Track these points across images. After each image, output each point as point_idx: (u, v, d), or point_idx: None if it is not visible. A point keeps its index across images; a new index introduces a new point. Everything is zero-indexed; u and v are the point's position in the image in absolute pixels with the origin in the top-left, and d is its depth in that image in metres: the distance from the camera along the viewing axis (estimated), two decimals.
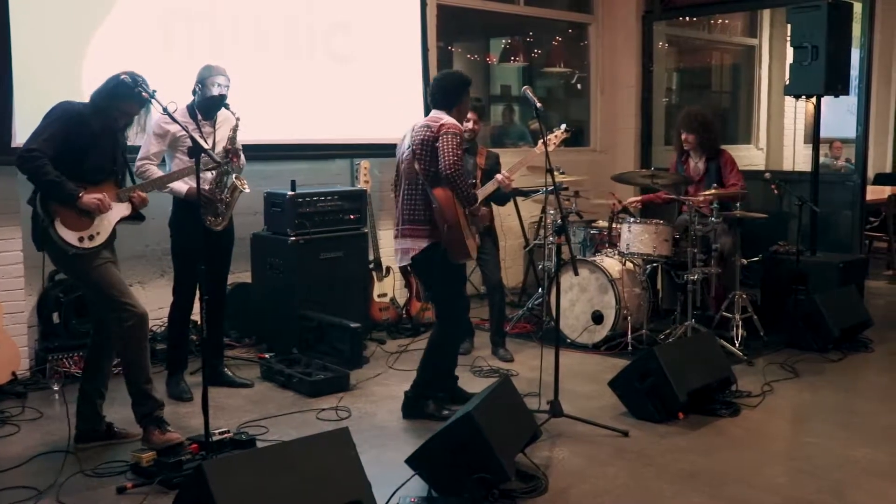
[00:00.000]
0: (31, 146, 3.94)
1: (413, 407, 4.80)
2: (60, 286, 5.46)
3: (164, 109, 4.00)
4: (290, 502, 3.10)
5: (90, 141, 4.05)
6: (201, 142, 4.04)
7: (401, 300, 6.82)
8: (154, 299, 5.94)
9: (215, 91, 4.93)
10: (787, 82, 7.09)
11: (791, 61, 6.94)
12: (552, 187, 4.82)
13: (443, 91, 4.71)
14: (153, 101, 4.02)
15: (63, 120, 4.01)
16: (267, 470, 3.15)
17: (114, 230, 4.18)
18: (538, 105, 4.64)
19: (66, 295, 5.45)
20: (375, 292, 6.60)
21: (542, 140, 4.76)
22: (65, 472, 3.90)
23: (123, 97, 4.07)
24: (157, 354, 5.61)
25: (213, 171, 4.83)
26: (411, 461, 3.71)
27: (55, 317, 5.47)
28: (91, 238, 4.04)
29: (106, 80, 4.08)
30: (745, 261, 6.25)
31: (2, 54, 5.08)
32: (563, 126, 5.51)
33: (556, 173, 6.39)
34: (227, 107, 4.95)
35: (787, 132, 11.28)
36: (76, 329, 5.43)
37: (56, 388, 5.05)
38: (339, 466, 3.32)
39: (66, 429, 4.28)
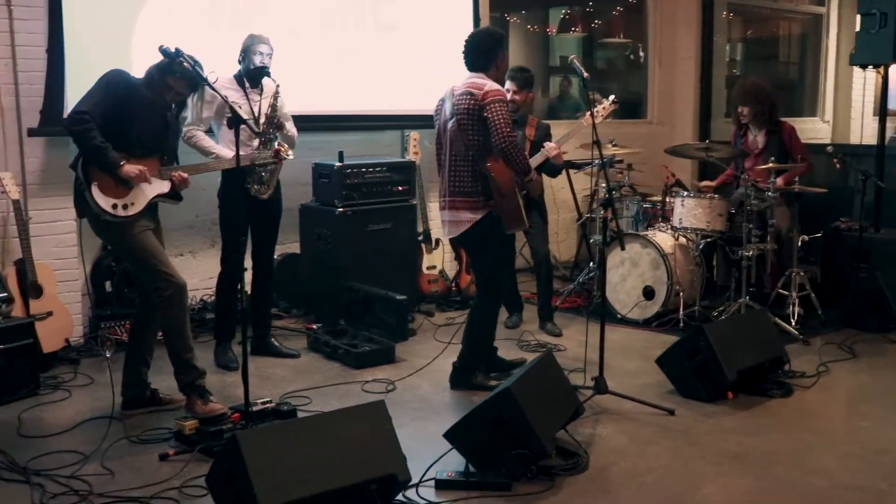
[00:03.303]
0: (81, 109, 4.00)
1: (461, 377, 4.78)
2: (112, 255, 5.54)
3: (205, 80, 4.00)
4: (324, 474, 3.09)
5: (138, 111, 4.08)
6: (242, 112, 4.04)
7: (450, 273, 6.79)
8: (204, 269, 6.01)
9: (257, 61, 4.95)
10: (854, 51, 6.82)
11: (858, 29, 6.68)
12: (605, 160, 4.71)
13: (476, 51, 4.55)
14: (198, 76, 4.03)
15: (112, 86, 4.06)
16: (301, 441, 3.15)
17: (155, 203, 4.22)
18: (585, 75, 4.52)
19: (118, 264, 5.53)
20: (424, 264, 6.58)
21: (588, 112, 4.66)
22: (110, 437, 3.96)
23: (171, 72, 4.08)
24: (207, 324, 5.70)
25: (257, 140, 4.85)
26: (449, 435, 3.69)
27: (107, 285, 5.56)
28: (125, 207, 4.07)
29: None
30: (805, 237, 6.06)
31: (53, 28, 5.15)
32: (611, 97, 5.37)
33: (608, 145, 6.31)
34: (268, 75, 4.96)
35: (854, 104, 10.90)
36: (128, 297, 5.50)
37: (108, 355, 5.14)
38: (374, 439, 3.29)
39: (116, 395, 4.35)
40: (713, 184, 6.49)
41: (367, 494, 3.16)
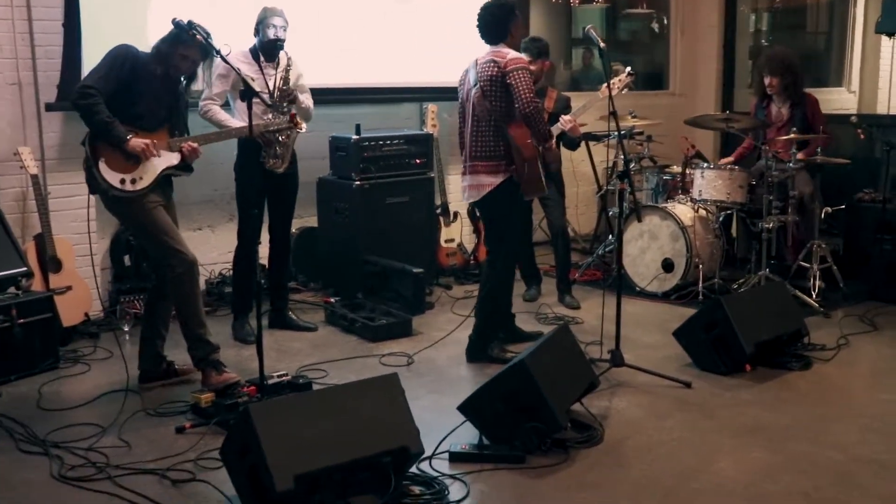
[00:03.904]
0: (86, 83, 4.00)
1: (477, 350, 4.79)
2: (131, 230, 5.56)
3: (218, 53, 3.99)
4: (336, 446, 3.09)
5: (146, 85, 4.07)
6: (254, 85, 4.03)
7: (468, 246, 6.77)
8: (223, 243, 6.02)
9: (271, 34, 4.94)
10: (880, 18, 6.69)
11: None
12: (624, 132, 4.67)
13: (489, 23, 4.59)
14: (209, 45, 4.01)
15: (120, 60, 4.04)
16: (314, 413, 3.16)
17: (169, 177, 4.21)
18: (601, 44, 4.48)
19: (136, 238, 5.55)
20: (442, 237, 6.56)
21: (605, 84, 4.62)
22: (128, 410, 4.00)
23: (182, 42, 4.05)
24: (226, 297, 5.73)
25: (271, 114, 4.83)
26: (463, 408, 3.69)
27: (126, 259, 5.59)
28: (133, 182, 4.06)
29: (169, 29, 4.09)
30: (828, 209, 5.97)
31: (70, 2, 5.15)
32: (628, 69, 5.29)
33: (628, 117, 6.24)
34: (282, 48, 4.96)
35: (882, 74, 10.70)
36: (146, 272, 5.53)
37: (126, 328, 5.18)
38: (386, 412, 3.29)
39: (133, 368, 4.39)
40: (731, 159, 6.39)
41: (380, 467, 3.17)
